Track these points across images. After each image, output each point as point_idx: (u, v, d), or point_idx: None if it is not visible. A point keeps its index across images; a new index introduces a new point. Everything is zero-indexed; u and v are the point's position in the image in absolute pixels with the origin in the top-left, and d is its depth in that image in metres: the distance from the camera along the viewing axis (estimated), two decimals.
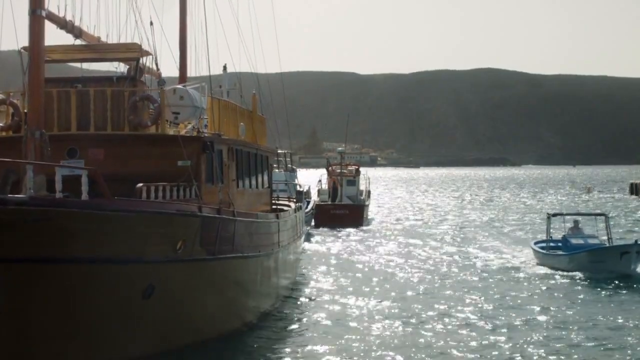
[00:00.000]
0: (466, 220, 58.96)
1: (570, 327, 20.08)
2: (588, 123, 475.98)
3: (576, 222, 32.75)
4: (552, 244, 32.27)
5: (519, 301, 23.66)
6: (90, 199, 13.86)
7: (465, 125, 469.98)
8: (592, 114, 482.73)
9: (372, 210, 65.67)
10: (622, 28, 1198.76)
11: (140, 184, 16.23)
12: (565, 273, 28.74)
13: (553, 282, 27.55)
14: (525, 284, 27.22)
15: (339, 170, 56.90)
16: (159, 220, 14.89)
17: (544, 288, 26.27)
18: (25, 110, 17.31)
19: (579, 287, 26.44)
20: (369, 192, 61.87)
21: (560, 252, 30.95)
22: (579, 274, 28.25)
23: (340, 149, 65.70)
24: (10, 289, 13.11)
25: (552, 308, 22.52)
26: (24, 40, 16.52)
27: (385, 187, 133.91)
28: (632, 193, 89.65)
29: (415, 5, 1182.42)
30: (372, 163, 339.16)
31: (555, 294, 25.13)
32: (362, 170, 60.82)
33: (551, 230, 33.20)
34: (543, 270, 29.94)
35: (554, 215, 34.09)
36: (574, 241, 30.68)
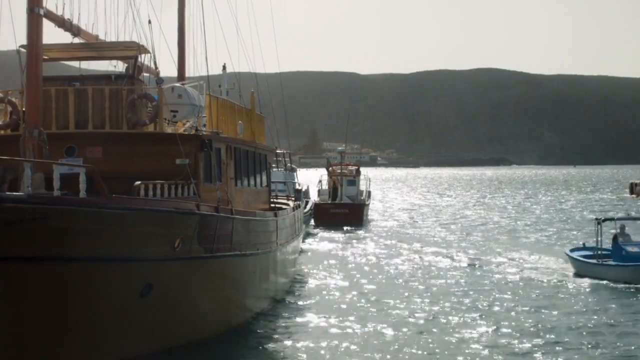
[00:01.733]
0: (478, 222, 56.23)
1: None
2: (588, 123, 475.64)
3: (623, 227, 28.38)
4: (588, 252, 28.34)
5: (563, 317, 20.82)
6: (89, 197, 13.85)
7: (465, 125, 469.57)
8: (592, 114, 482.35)
9: (373, 211, 65.40)
10: (622, 28, 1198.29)
11: (138, 182, 16.21)
12: (623, 286, 25.27)
13: (616, 297, 24.06)
14: (573, 299, 23.77)
15: (339, 170, 56.78)
16: (157, 218, 14.87)
17: (605, 304, 22.81)
18: (24, 109, 17.30)
19: None
20: (369, 193, 61.74)
21: (613, 262, 27.02)
22: None
23: (340, 148, 65.42)
24: (7, 287, 13.08)
25: (615, 327, 19.83)
26: (22, 39, 16.54)
27: (388, 187, 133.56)
28: (632, 193, 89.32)
29: (416, 5, 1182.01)
30: (372, 163, 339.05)
31: (619, 313, 21.70)
32: (362, 170, 60.66)
33: (570, 236, 30.74)
34: (590, 281, 26.46)
35: (604, 220, 28.92)
36: (630, 249, 26.67)
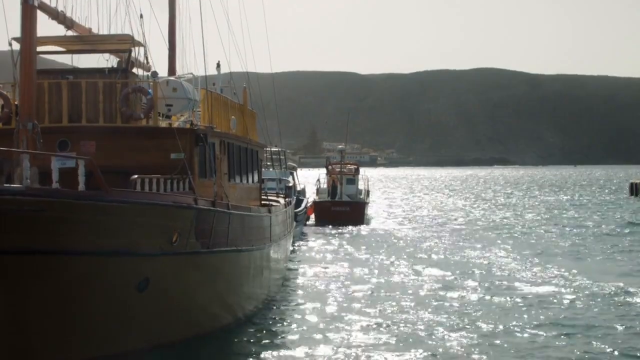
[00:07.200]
0: (509, 226, 50.57)
1: None
2: (588, 123, 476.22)
3: None
4: None
5: None
6: (87, 190, 13.68)
7: (465, 125, 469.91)
8: (592, 114, 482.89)
9: (373, 210, 65.18)
10: (622, 28, 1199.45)
11: (135, 176, 16.08)
12: None
13: None
14: None
15: (338, 169, 56.65)
16: (156, 211, 14.74)
17: None
18: (16, 102, 17.10)
19: None
20: (368, 192, 61.70)
21: None
22: None
23: (340, 147, 65.35)
24: (4, 280, 12.91)
25: None
26: (13, 32, 16.40)
27: (388, 187, 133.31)
28: (631, 193, 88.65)
29: (416, 5, 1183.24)
30: (372, 163, 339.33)
31: None
32: (362, 170, 60.57)
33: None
34: None
35: None
36: None
